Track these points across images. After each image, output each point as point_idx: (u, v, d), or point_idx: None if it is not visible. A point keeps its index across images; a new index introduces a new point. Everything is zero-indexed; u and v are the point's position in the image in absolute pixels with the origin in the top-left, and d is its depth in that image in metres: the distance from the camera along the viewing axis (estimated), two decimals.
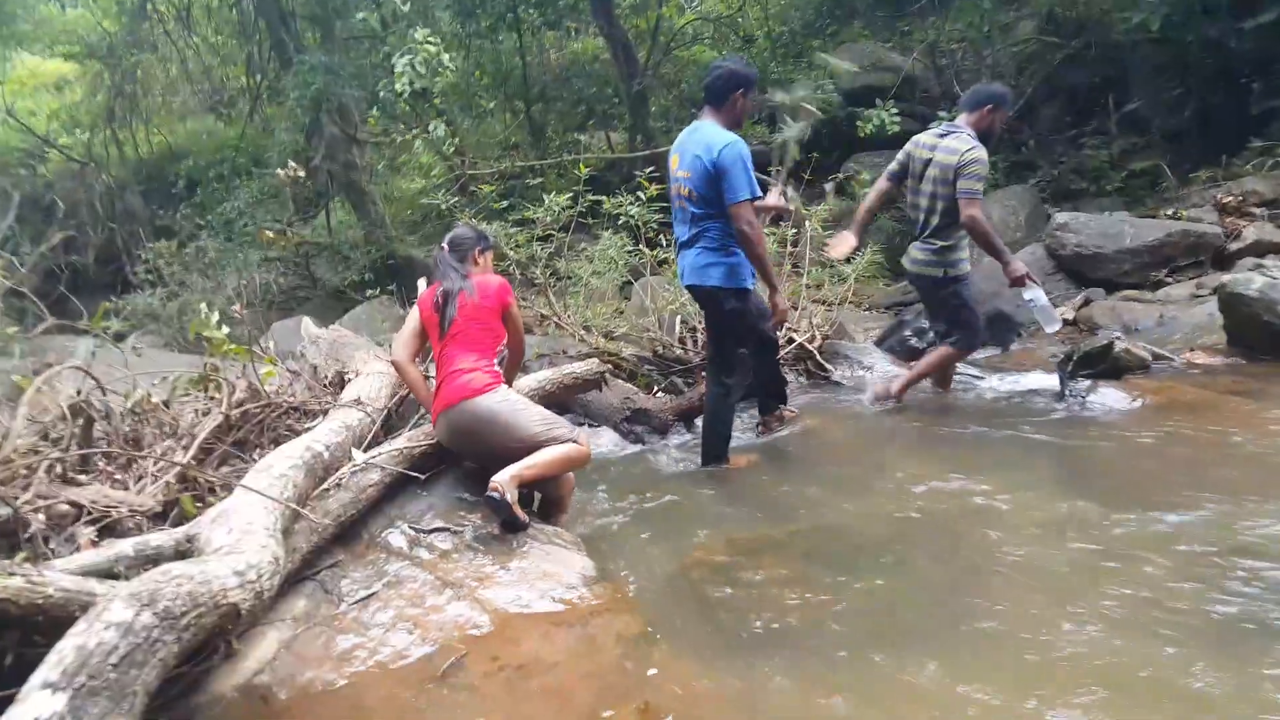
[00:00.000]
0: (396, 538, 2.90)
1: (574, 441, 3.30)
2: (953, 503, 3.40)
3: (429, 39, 7.43)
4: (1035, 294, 4.52)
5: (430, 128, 8.49)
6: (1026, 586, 2.66)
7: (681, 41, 12.92)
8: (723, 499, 3.77)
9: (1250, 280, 4.94)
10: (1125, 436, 4.00)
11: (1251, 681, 2.08)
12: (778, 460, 4.24)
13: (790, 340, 5.58)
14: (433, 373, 3.56)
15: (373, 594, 2.60)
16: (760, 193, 3.79)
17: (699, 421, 4.73)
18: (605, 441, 4.81)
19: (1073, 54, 9.70)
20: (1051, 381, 4.77)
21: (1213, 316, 5.37)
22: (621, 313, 6.73)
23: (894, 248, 9.28)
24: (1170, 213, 7.60)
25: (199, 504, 2.67)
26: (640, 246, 6.49)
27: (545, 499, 3.42)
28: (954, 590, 2.69)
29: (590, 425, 5.02)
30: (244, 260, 10.85)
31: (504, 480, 3.02)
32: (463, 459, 3.44)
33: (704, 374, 5.27)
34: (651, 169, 6.55)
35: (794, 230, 6.31)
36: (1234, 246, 6.96)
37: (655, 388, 5.46)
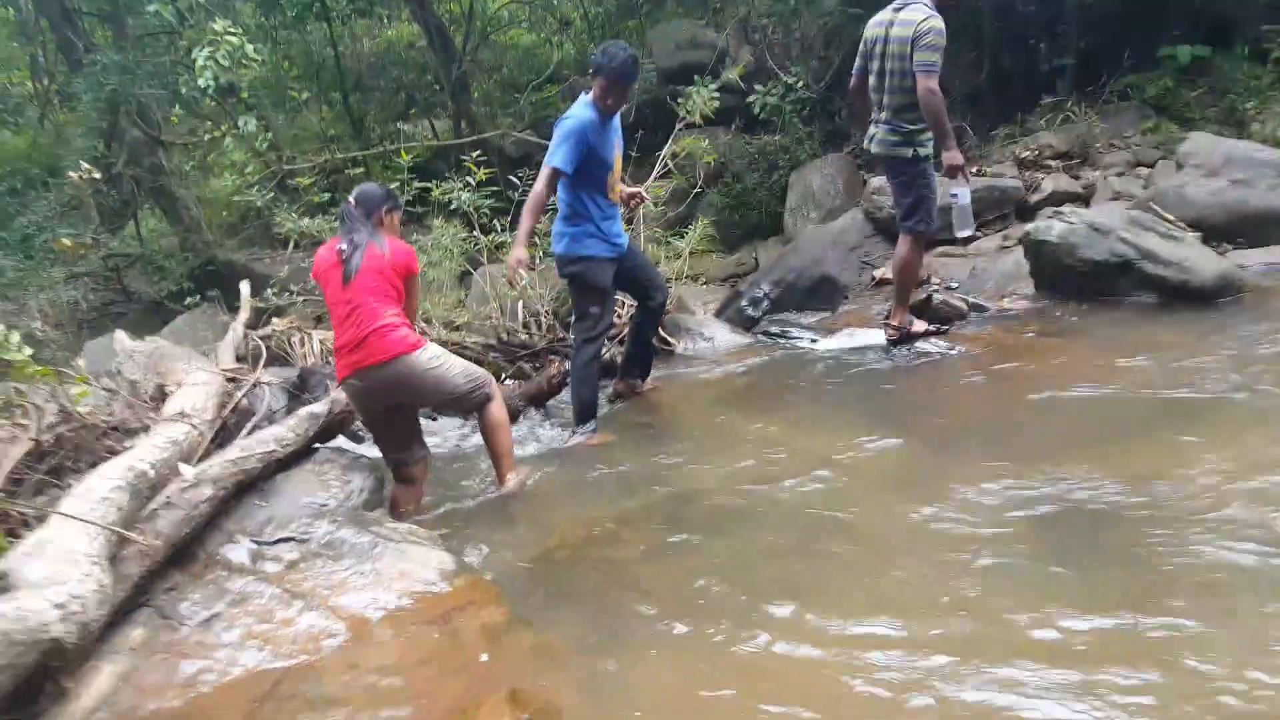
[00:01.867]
0: (237, 553, 2.75)
1: (490, 396, 3.55)
2: (798, 459, 3.54)
3: (230, 30, 7.00)
4: (962, 192, 4.50)
5: (240, 123, 8.02)
6: (873, 533, 2.79)
7: (498, 26, 12.74)
8: (578, 478, 3.78)
9: (1050, 227, 5.27)
10: (944, 383, 4.30)
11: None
12: (629, 432, 4.30)
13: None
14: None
15: (216, 614, 2.46)
16: (568, 169, 4.01)
17: (551, 403, 4.75)
18: (455, 432, 4.74)
19: None
20: (879, 337, 5.04)
21: (1020, 265, 5.71)
22: (462, 303, 6.61)
23: (724, 221, 9.59)
24: (975, 170, 8.12)
25: (11, 538, 2.44)
26: (475, 233, 6.40)
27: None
28: (805, 545, 2.78)
29: (441, 417, 4.93)
30: (47, 278, 9.93)
31: (512, 483, 3.57)
32: (364, 416, 3.57)
33: (551, 356, 5.30)
34: (479, 153, 6.45)
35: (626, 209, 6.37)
36: (1034, 198, 7.46)
37: (503, 374, 5.41)
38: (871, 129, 4.76)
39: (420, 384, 3.39)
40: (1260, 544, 2.34)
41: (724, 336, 5.79)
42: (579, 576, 2.80)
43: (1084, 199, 7.21)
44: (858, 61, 4.74)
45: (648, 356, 4.85)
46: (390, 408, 3.45)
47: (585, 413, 4.31)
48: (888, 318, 4.98)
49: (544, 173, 4.01)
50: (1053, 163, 7.99)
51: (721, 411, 4.47)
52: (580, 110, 4.05)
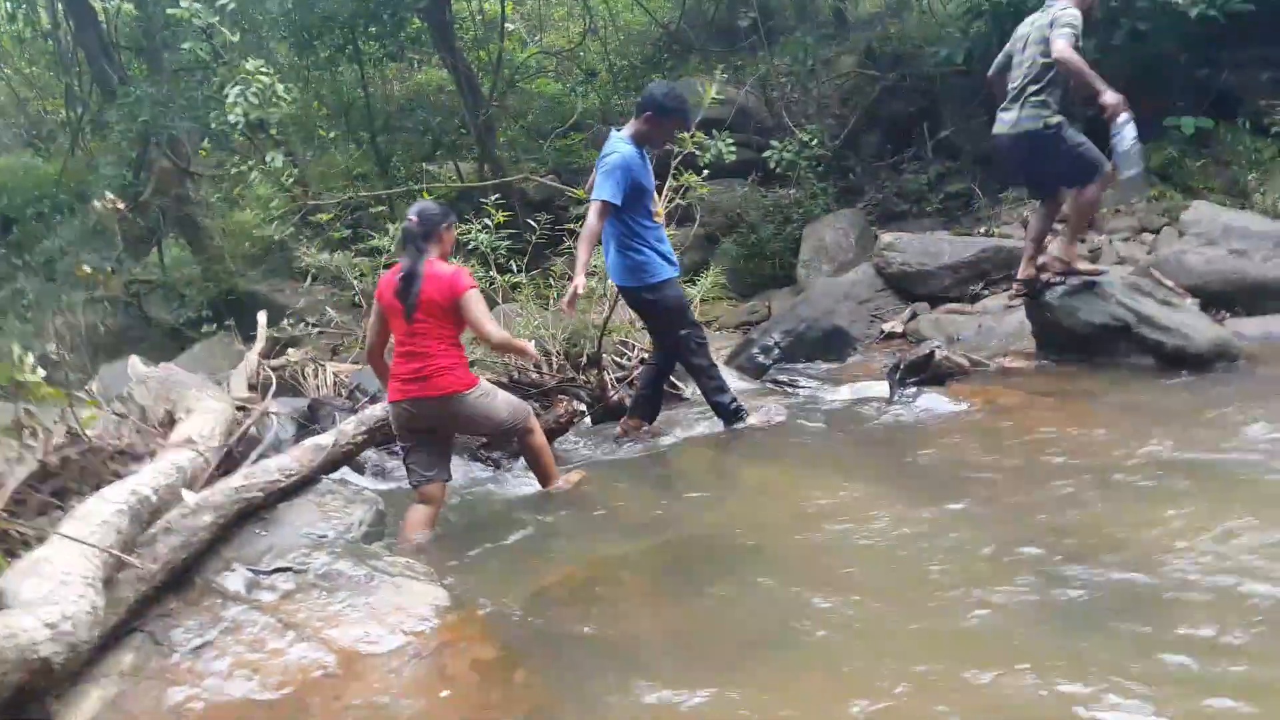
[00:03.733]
0: (233, 581, 2.77)
1: (530, 428, 3.86)
2: (798, 508, 3.54)
3: (262, 70, 7.20)
4: (1124, 132, 4.60)
5: (268, 159, 8.21)
6: (873, 587, 2.78)
7: (525, 74, 13.03)
8: (581, 520, 3.80)
9: (1052, 289, 5.42)
10: (945, 437, 4.30)
11: (1078, 663, 2.26)
12: (630, 475, 4.33)
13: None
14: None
15: (208, 642, 2.48)
16: (617, 200, 4.21)
17: (557, 442, 4.79)
18: (461, 469, 4.76)
19: (890, 86, 10.38)
20: (884, 389, 5.07)
21: (1023, 324, 5.83)
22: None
23: (738, 270, 9.69)
24: (983, 230, 8.23)
25: (11, 557, 2.48)
26: (491, 273, 6.51)
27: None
28: (806, 596, 2.76)
29: None
30: (67, 301, 10.13)
31: (558, 484, 3.95)
32: (403, 435, 3.74)
33: (561, 396, 5.37)
34: (498, 196, 6.58)
35: None
36: (1040, 260, 7.58)
37: None
38: (1001, 115, 5.18)
39: (469, 417, 3.69)
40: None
41: (733, 383, 5.77)
42: (575, 617, 2.79)
43: (1089, 262, 7.25)
44: (1000, 58, 5.30)
45: (659, 399, 4.95)
46: (431, 430, 3.70)
47: (734, 414, 4.64)
48: (890, 370, 5.04)
49: (595, 207, 4.23)
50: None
51: (726, 457, 4.50)
52: (620, 146, 4.29)
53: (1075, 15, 4.76)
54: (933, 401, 4.76)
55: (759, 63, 11.13)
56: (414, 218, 3.64)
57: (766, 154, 9.50)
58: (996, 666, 2.17)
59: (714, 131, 7.41)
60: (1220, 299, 5.80)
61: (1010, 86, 5.09)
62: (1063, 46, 4.65)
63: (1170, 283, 5.70)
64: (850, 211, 9.68)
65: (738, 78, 11.27)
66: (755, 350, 6.87)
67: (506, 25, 11.98)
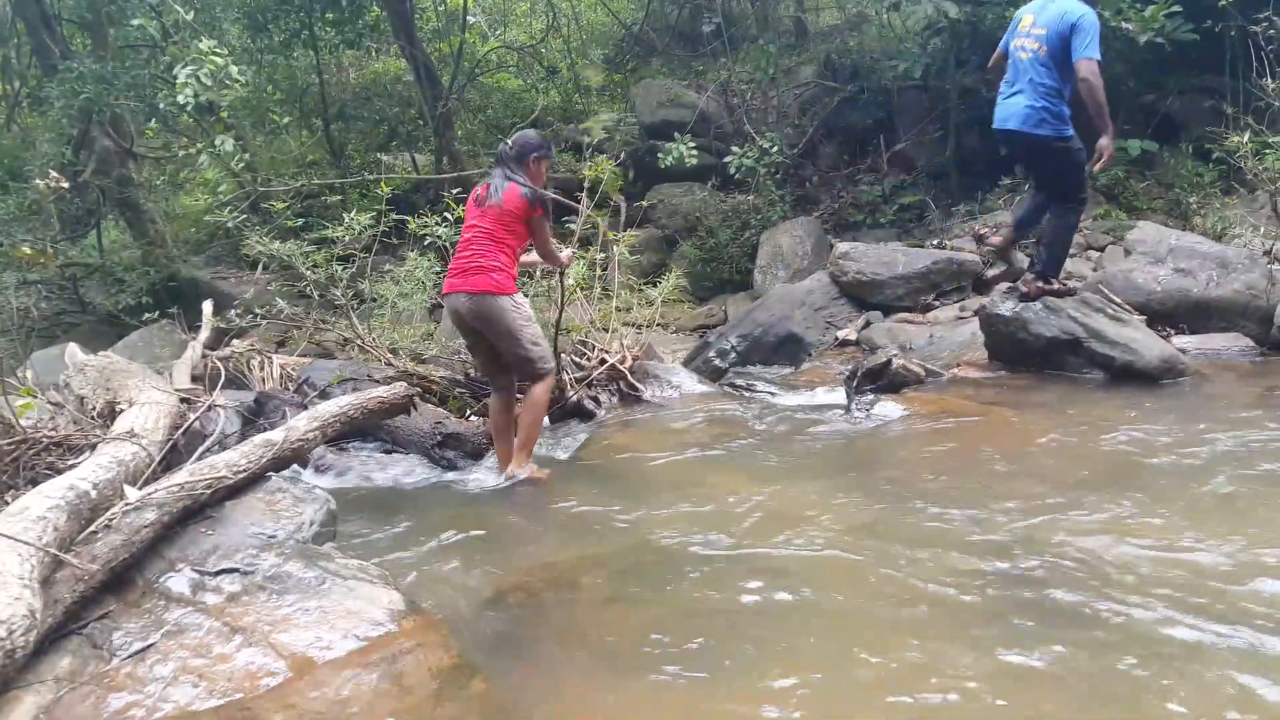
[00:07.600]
0: (177, 582, 2.65)
1: (544, 375, 4.04)
2: (757, 512, 3.53)
3: (215, 51, 6.98)
4: None
5: (217, 142, 7.96)
6: (834, 591, 2.79)
7: (486, 68, 12.88)
8: (538, 522, 3.75)
9: (1005, 302, 5.50)
10: (903, 444, 4.35)
11: (1047, 661, 2.29)
12: (589, 478, 4.28)
13: (602, 361, 5.67)
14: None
15: (150, 645, 2.36)
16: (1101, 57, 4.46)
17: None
18: (414, 468, 4.67)
19: (848, 97, 10.51)
20: (839, 396, 5.10)
21: (975, 335, 5.91)
22: (431, 335, 6.56)
23: (696, 273, 9.70)
24: (936, 243, 8.37)
25: None
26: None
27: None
28: (769, 599, 2.77)
29: (398, 452, 4.87)
30: None
31: (513, 468, 4.02)
32: (461, 334, 4.23)
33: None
34: (458, 190, 6.47)
35: (602, 254, 6.41)
36: (991, 273, 7.73)
37: (468, 410, 5.37)
38: None
39: (493, 322, 3.90)
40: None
41: (690, 385, 5.81)
42: (533, 623, 2.76)
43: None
44: None
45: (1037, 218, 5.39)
46: (478, 333, 4.04)
47: (1044, 275, 5.15)
48: (846, 377, 5.06)
49: (1094, 67, 4.41)
50: None
51: (685, 460, 4.46)
52: (1088, 6, 4.53)
53: None
54: (889, 409, 4.79)
55: (720, 69, 11.17)
56: (510, 142, 4.01)
57: (727, 159, 9.54)
58: (951, 667, 2.20)
59: (676, 135, 7.41)
60: (1165, 316, 5.98)
61: None
62: None
63: (1118, 299, 5.83)
64: (806, 219, 9.76)
65: (699, 82, 11.30)
66: (712, 353, 6.88)
67: (468, 18, 11.82)
